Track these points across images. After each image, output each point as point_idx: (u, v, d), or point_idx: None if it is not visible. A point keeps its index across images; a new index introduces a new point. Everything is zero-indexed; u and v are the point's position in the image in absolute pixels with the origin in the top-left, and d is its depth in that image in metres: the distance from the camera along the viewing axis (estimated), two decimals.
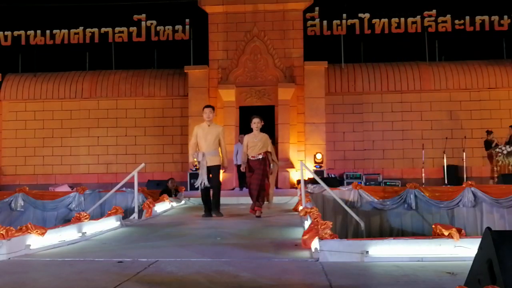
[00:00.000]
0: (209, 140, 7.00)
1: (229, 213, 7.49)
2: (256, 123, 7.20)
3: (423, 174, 12.87)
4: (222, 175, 12.91)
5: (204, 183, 6.84)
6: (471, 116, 14.09)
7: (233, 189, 12.52)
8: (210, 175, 7.01)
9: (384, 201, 8.51)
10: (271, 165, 7.26)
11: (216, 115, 13.61)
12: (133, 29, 14.86)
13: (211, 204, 7.06)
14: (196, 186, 7.08)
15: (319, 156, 13.11)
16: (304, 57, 13.76)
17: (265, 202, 7.38)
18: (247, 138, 7.29)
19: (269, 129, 11.07)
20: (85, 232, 5.16)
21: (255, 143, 7.12)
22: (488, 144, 12.34)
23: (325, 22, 14.35)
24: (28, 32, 15.05)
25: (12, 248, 3.92)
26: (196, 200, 9.39)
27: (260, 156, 7.10)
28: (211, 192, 7.10)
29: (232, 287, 2.90)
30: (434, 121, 14.12)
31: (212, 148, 7.00)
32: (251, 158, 7.12)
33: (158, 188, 9.93)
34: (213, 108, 7.23)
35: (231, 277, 3.17)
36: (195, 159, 7.17)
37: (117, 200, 8.35)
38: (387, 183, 12.70)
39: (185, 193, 10.56)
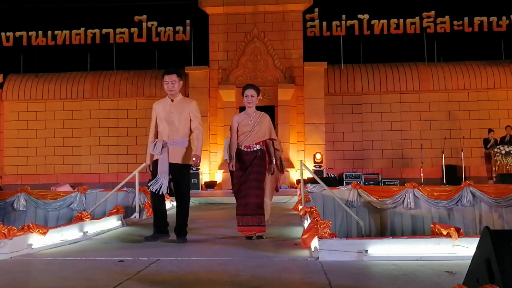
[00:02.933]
0: (174, 123, 4.64)
1: (230, 214, 7.51)
2: (249, 96, 4.87)
3: (421, 174, 12.90)
4: (222, 175, 13.03)
5: (162, 189, 4.53)
6: (470, 117, 14.12)
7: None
8: (174, 180, 4.71)
9: (383, 200, 8.54)
10: (273, 160, 4.93)
11: (216, 115, 13.73)
12: (134, 30, 14.88)
13: (163, 220, 4.69)
14: (149, 189, 4.64)
15: (318, 156, 13.14)
16: (304, 57, 13.79)
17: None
18: (236, 119, 4.96)
19: None
20: (87, 232, 5.18)
21: (250, 126, 4.85)
22: (486, 143, 12.39)
23: (324, 23, 14.37)
24: (30, 33, 15.06)
25: (14, 247, 3.94)
26: (196, 199, 9.43)
27: (258, 147, 4.85)
28: (175, 205, 4.92)
29: (232, 285, 2.92)
30: (432, 121, 14.14)
31: (179, 135, 4.63)
32: (244, 150, 4.85)
33: None
34: (178, 74, 4.72)
35: (231, 276, 3.19)
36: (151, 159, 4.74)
37: (118, 199, 8.36)
38: (386, 182, 12.73)
39: None
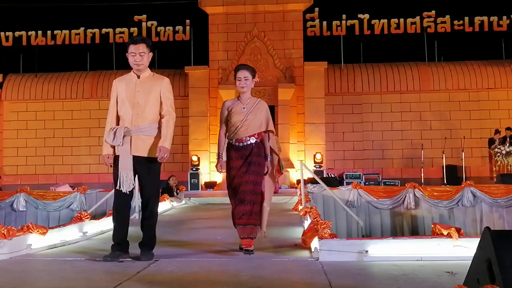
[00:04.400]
0: (140, 105, 3.70)
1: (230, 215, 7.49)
2: (242, 79, 4.01)
3: (422, 174, 12.89)
4: (222, 175, 13.03)
5: (125, 188, 3.64)
6: (470, 117, 14.11)
7: None
8: (139, 179, 3.80)
9: (383, 200, 8.53)
10: (268, 157, 4.09)
11: (216, 115, 13.70)
12: (134, 29, 14.87)
13: (125, 231, 3.77)
14: (118, 188, 3.69)
15: (318, 156, 13.14)
16: (304, 57, 13.79)
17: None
18: (227, 105, 4.13)
19: None
20: (86, 232, 5.17)
21: (242, 114, 4.00)
22: (490, 143, 12.40)
23: (324, 23, 14.36)
24: (29, 33, 15.06)
25: (13, 248, 3.93)
26: (197, 199, 9.43)
27: (253, 140, 4.00)
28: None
29: (232, 286, 2.91)
30: (433, 121, 14.14)
31: (146, 121, 3.70)
32: (236, 144, 4.03)
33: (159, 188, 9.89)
34: (148, 43, 3.77)
35: (231, 276, 3.18)
36: (110, 150, 3.74)
37: None
38: (387, 183, 12.72)
39: (186, 192, 10.57)
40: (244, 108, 4.03)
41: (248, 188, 3.91)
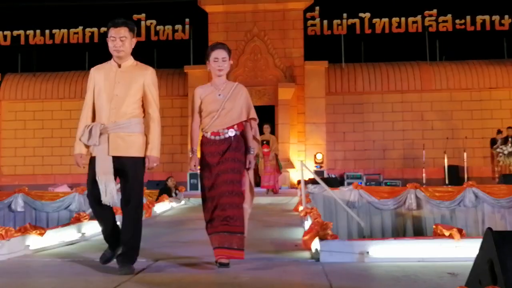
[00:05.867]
0: (119, 98, 3.23)
1: None
2: (219, 59, 3.48)
3: (423, 174, 12.84)
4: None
5: (108, 200, 3.20)
6: (472, 116, 14.08)
7: None
8: (120, 182, 3.34)
9: (384, 201, 8.50)
10: (251, 150, 3.53)
11: None
12: None
13: (117, 233, 3.35)
14: (92, 196, 3.32)
15: (319, 156, 13.11)
16: (305, 57, 13.77)
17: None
18: (199, 93, 3.57)
19: (270, 129, 11.05)
20: (85, 233, 5.15)
21: (218, 103, 3.47)
22: (493, 143, 12.38)
23: (325, 22, 14.34)
24: (28, 32, 15.04)
25: (11, 249, 3.92)
26: (196, 200, 9.37)
27: (231, 133, 3.45)
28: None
29: (232, 287, 2.88)
30: (434, 121, 14.11)
31: (125, 116, 3.23)
32: (211, 138, 3.47)
33: (158, 188, 9.91)
34: (131, 27, 3.33)
35: (231, 277, 3.15)
36: (86, 148, 3.32)
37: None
38: (388, 183, 12.67)
39: (185, 193, 10.56)
40: (220, 95, 3.48)
41: (227, 188, 3.32)
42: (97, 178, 3.18)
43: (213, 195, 3.38)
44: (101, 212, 3.30)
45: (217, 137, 3.44)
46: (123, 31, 3.27)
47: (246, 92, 3.58)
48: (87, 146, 3.31)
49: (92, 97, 3.32)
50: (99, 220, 3.40)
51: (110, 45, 3.29)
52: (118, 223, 3.44)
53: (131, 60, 3.38)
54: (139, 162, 3.27)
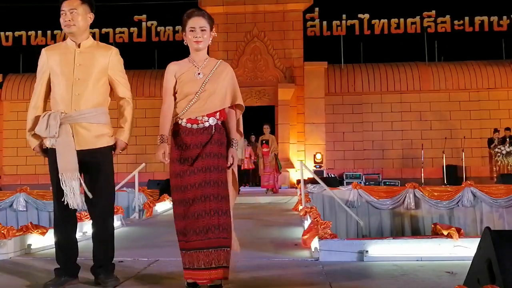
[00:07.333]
0: (82, 82, 2.81)
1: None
2: (196, 29, 2.80)
3: (422, 174, 12.88)
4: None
5: (72, 202, 2.76)
6: (470, 117, 14.11)
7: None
8: (86, 178, 2.87)
9: (383, 201, 8.53)
10: (233, 143, 2.84)
11: None
12: (134, 29, 14.87)
13: (74, 250, 3.00)
14: (59, 200, 2.81)
15: (318, 156, 13.15)
16: (304, 57, 13.80)
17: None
18: (173, 70, 2.91)
19: (270, 129, 11.09)
20: (86, 232, 5.15)
21: (198, 83, 2.78)
22: (490, 143, 12.41)
23: (324, 23, 14.37)
24: (29, 33, 15.07)
25: (13, 248, 3.93)
26: None
27: (212, 121, 2.77)
28: (92, 224, 3.07)
29: (232, 286, 2.90)
30: (433, 121, 14.14)
31: (90, 103, 2.84)
32: (187, 127, 2.77)
33: (159, 188, 9.93)
34: (90, 3, 2.88)
35: (230, 276, 3.14)
36: (42, 141, 2.92)
37: (118, 199, 8.33)
38: (387, 183, 12.71)
39: None
40: (199, 73, 2.80)
41: (212, 191, 2.63)
42: (60, 176, 2.74)
43: (190, 198, 2.66)
44: (68, 217, 2.86)
45: (194, 125, 2.75)
46: (75, 3, 2.80)
47: (231, 71, 2.90)
48: (38, 137, 2.89)
49: (44, 82, 2.88)
50: (61, 229, 2.88)
51: (61, 21, 2.84)
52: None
53: (90, 40, 2.94)
54: (107, 154, 2.93)
